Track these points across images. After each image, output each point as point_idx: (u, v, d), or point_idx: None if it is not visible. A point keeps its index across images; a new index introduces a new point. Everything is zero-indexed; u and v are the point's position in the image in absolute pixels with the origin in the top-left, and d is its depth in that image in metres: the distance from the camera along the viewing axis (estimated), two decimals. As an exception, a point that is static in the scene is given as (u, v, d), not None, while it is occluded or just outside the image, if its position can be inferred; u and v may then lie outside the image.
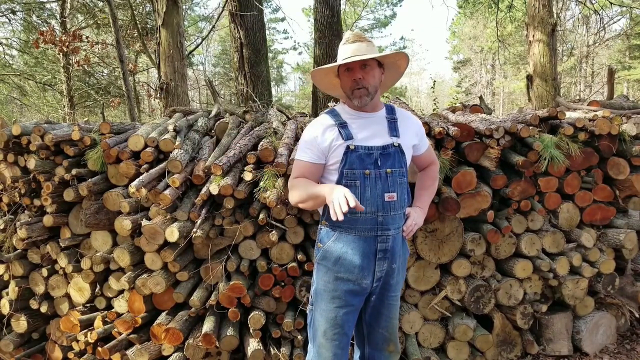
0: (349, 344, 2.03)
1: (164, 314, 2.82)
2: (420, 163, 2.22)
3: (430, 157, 2.23)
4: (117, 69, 12.19)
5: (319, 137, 1.92)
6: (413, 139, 2.04)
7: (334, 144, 1.90)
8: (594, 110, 3.44)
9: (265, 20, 7.50)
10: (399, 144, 1.94)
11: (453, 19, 26.98)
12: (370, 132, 1.92)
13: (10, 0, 11.35)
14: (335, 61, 1.97)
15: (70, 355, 3.03)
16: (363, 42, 1.92)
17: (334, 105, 2.22)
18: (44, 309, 3.11)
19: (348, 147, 1.87)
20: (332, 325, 1.95)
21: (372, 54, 1.88)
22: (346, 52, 1.91)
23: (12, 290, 3.15)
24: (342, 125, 1.92)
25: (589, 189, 3.14)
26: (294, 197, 1.95)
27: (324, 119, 1.99)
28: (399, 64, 2.04)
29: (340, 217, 1.61)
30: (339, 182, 1.87)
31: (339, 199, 1.63)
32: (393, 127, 1.97)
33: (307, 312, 2.11)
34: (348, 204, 1.62)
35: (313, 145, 1.93)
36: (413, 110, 3.24)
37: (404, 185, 1.95)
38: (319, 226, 2.02)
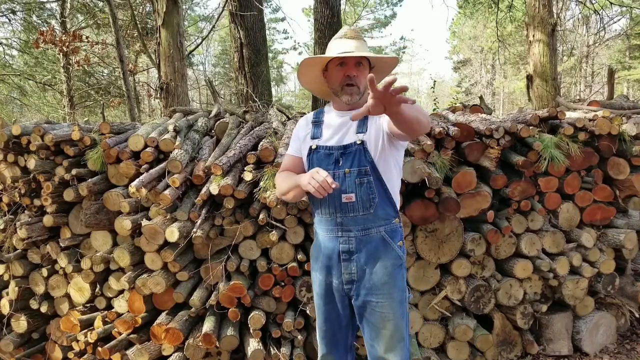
0: (339, 346, 2.02)
1: (164, 314, 2.81)
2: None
3: None
4: (117, 69, 12.18)
5: (300, 133, 2.04)
6: (380, 125, 1.86)
7: (305, 141, 1.99)
8: (594, 110, 3.44)
9: (265, 20, 7.49)
10: (362, 141, 1.84)
11: (453, 19, 26.97)
12: (336, 131, 1.90)
13: (10, 0, 11.35)
14: (329, 55, 1.89)
15: (70, 355, 3.03)
16: (360, 40, 1.90)
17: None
18: (44, 309, 3.11)
19: (311, 147, 1.93)
20: (319, 317, 2.03)
21: (373, 54, 1.89)
22: (343, 46, 1.86)
23: (12, 290, 3.15)
24: (317, 124, 1.98)
25: (589, 189, 3.14)
26: (277, 190, 2.05)
27: (310, 115, 2.07)
28: (383, 71, 1.99)
29: (323, 193, 1.69)
30: None
31: (312, 183, 1.69)
32: (362, 123, 1.88)
33: None
34: (327, 183, 1.68)
35: (296, 139, 2.05)
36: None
37: (369, 184, 1.83)
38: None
